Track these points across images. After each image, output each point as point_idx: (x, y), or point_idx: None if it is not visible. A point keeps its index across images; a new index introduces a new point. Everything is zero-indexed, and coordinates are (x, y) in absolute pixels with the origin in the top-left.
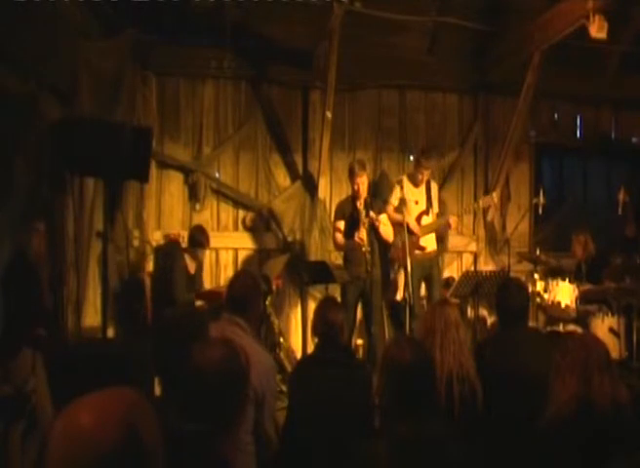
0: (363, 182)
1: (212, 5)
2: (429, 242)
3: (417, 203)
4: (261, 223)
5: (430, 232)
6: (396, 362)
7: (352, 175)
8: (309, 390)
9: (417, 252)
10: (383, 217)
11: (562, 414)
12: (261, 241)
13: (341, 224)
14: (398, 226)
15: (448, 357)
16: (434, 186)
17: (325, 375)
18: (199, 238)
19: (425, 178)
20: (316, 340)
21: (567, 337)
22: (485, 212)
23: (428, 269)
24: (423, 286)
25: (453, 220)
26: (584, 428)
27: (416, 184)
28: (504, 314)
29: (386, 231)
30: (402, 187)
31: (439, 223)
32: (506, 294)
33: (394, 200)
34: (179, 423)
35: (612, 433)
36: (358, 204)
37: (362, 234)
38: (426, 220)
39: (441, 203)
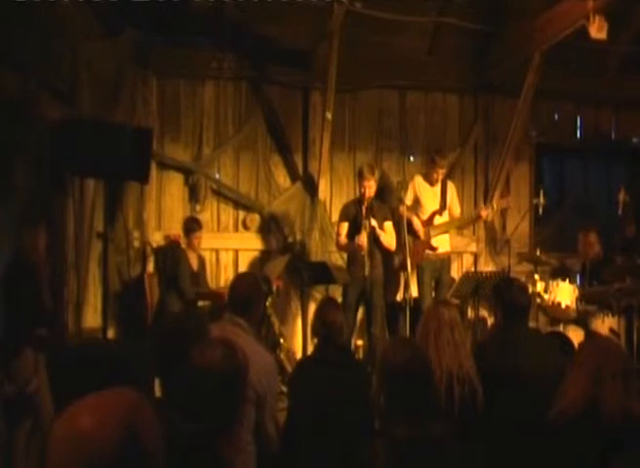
0: (370, 186)
1: (212, 5)
2: (441, 242)
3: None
4: (262, 224)
5: (463, 227)
6: (391, 363)
7: (360, 179)
8: (309, 391)
9: (428, 252)
10: (388, 225)
11: (569, 411)
12: (262, 242)
13: (345, 226)
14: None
15: (445, 358)
16: (451, 186)
17: (324, 376)
18: (190, 224)
19: (440, 178)
20: (315, 341)
21: (590, 336)
22: (502, 213)
23: (439, 271)
24: None
25: (484, 212)
26: (588, 429)
27: (431, 183)
28: (508, 311)
29: (388, 240)
30: (415, 185)
31: (469, 217)
32: (510, 291)
33: (408, 200)
34: (179, 423)
35: (617, 442)
36: (363, 207)
37: (363, 238)
38: (439, 220)
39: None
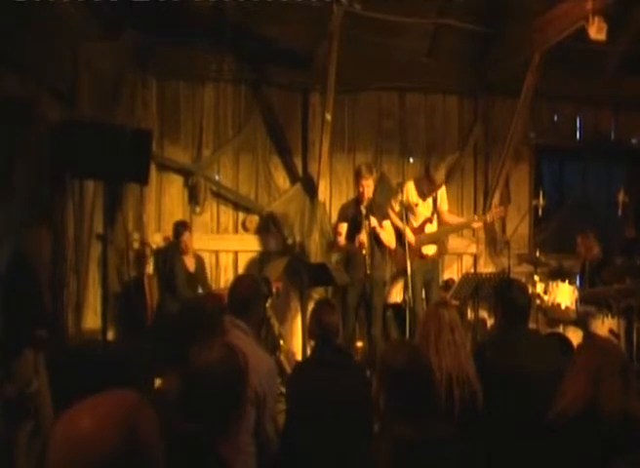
0: (369, 185)
1: (211, 6)
2: (430, 248)
3: (416, 205)
4: (261, 226)
5: (452, 233)
6: (390, 365)
7: (359, 178)
8: (306, 392)
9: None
10: (387, 224)
11: (569, 411)
12: (261, 243)
13: (344, 226)
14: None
15: (445, 359)
16: (442, 188)
17: (321, 377)
18: (177, 228)
19: (432, 195)
20: (312, 343)
21: (589, 337)
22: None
23: (430, 273)
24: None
25: (476, 225)
26: (588, 430)
27: (422, 196)
28: (508, 312)
29: (388, 238)
30: (406, 192)
31: (461, 226)
32: (510, 292)
33: (395, 204)
34: (180, 424)
35: (618, 441)
36: (362, 207)
37: (363, 237)
38: (430, 228)
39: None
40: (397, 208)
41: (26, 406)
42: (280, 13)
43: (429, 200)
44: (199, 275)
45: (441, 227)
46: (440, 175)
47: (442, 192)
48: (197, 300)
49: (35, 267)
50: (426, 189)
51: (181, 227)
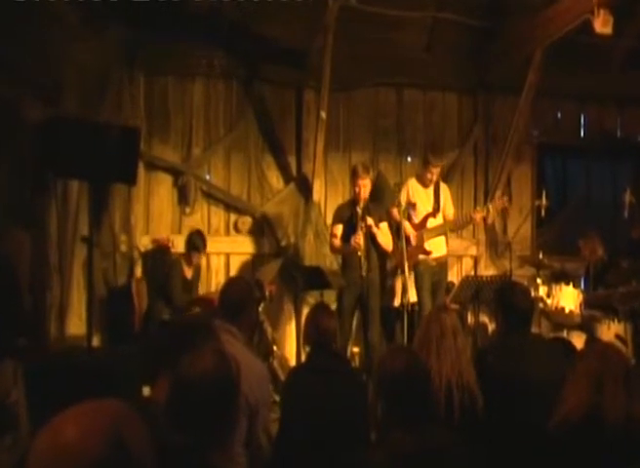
0: (365, 185)
1: (205, 3)
2: (436, 246)
3: (415, 205)
4: (254, 227)
5: (453, 230)
6: (388, 371)
7: (355, 178)
8: (302, 399)
9: (421, 256)
10: (383, 226)
11: (571, 418)
12: (254, 245)
13: (339, 228)
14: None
15: (446, 365)
16: (444, 188)
17: (318, 384)
18: (195, 241)
19: (435, 178)
20: (308, 349)
21: (589, 342)
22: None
23: (438, 275)
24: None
25: (478, 216)
26: (592, 436)
27: (425, 185)
28: (510, 316)
29: (385, 240)
30: (409, 189)
31: (462, 220)
32: (512, 296)
33: (401, 202)
34: (170, 434)
35: (623, 447)
36: (358, 208)
37: (359, 238)
38: (433, 223)
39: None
40: (403, 205)
41: (5, 417)
42: (274, 7)
43: (430, 193)
44: (194, 282)
45: (443, 223)
46: (438, 160)
47: (446, 194)
48: (189, 306)
49: (15, 270)
50: (426, 176)
51: (201, 243)
